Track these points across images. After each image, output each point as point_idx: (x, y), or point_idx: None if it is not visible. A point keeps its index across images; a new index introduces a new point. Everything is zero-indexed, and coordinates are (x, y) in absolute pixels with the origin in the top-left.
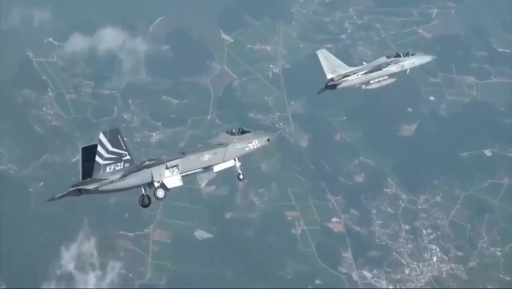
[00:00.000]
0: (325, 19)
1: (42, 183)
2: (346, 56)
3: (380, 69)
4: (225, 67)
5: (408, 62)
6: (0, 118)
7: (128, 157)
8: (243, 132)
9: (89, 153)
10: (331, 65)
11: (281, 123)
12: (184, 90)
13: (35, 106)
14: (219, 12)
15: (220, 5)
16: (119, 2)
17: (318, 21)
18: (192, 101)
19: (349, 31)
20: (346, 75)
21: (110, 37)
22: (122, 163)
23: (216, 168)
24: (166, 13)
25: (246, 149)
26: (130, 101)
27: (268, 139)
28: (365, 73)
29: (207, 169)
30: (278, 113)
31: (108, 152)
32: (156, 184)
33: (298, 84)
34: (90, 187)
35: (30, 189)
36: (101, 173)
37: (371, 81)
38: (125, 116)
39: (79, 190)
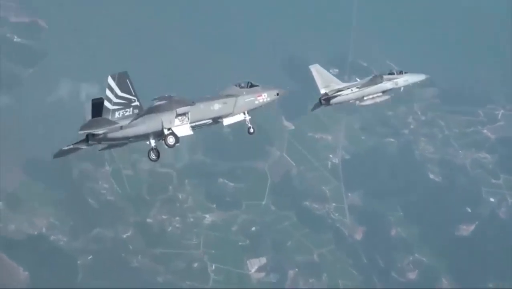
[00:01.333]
0: (388, 113)
1: (91, 256)
2: (408, 152)
3: (375, 84)
4: (284, 154)
5: (402, 80)
6: (55, 189)
7: (137, 103)
8: (252, 86)
9: (99, 107)
10: (324, 80)
11: (336, 214)
12: (241, 174)
13: (91, 179)
14: (282, 98)
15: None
16: (180, 81)
17: (382, 114)
18: (248, 185)
19: (412, 126)
20: (340, 90)
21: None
22: (131, 109)
23: (226, 121)
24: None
25: (256, 102)
26: (186, 181)
27: (277, 94)
28: (359, 88)
29: (217, 121)
30: (334, 204)
31: (117, 96)
32: (166, 132)
33: (356, 176)
34: (100, 131)
35: (79, 262)
36: (110, 118)
37: (365, 98)
38: (180, 196)
39: (87, 138)
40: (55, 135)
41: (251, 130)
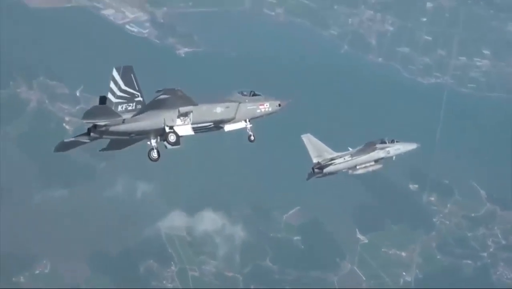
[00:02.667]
0: (467, 234)
1: None
2: (485, 275)
3: (367, 153)
4: (355, 268)
5: (394, 149)
6: (120, 285)
7: (140, 98)
8: (254, 94)
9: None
10: (317, 150)
11: None
12: (309, 284)
13: (156, 277)
14: (357, 210)
15: (359, 203)
16: (254, 187)
17: (460, 235)
18: None
19: (491, 249)
20: (332, 159)
21: (208, 220)
22: (134, 104)
23: (227, 127)
24: (302, 203)
25: (258, 111)
26: (252, 286)
27: (279, 104)
28: (352, 157)
29: (219, 126)
30: None
31: (120, 89)
32: (168, 129)
33: None
34: (102, 122)
35: None
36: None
37: (357, 166)
38: None
39: (89, 131)
40: (121, 231)
41: (252, 138)
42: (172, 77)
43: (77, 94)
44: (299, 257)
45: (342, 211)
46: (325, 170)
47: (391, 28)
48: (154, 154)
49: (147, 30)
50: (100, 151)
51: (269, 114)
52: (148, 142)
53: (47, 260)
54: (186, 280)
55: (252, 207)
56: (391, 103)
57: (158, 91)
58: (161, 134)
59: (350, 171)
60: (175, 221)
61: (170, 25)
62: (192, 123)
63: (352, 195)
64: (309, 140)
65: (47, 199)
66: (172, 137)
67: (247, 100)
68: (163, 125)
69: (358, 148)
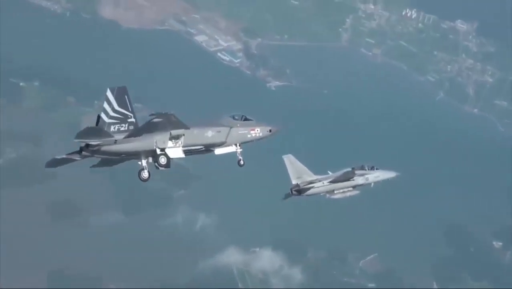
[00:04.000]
0: None
1: None
2: None
3: (346, 180)
4: None
5: (373, 176)
6: None
7: (133, 119)
8: (246, 119)
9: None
10: (296, 171)
11: None
12: None
13: None
14: (437, 262)
15: (439, 255)
16: (332, 228)
17: None
18: None
19: None
20: (311, 182)
21: (267, 258)
22: (127, 125)
23: (218, 151)
24: (380, 250)
25: (249, 136)
26: None
27: (270, 130)
28: (331, 182)
29: (209, 149)
30: None
31: (113, 110)
32: (159, 151)
33: None
34: (94, 142)
35: None
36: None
37: (335, 191)
38: None
39: (81, 150)
40: (182, 261)
41: (241, 162)
42: (260, 110)
43: None
44: None
45: (421, 261)
46: (303, 193)
47: (490, 80)
48: (145, 174)
49: (239, 60)
50: (91, 167)
51: (259, 139)
52: (139, 163)
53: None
54: None
55: (327, 249)
56: (483, 156)
57: (151, 114)
58: (152, 155)
59: (327, 195)
60: (232, 256)
61: (263, 57)
62: (183, 146)
63: (433, 246)
64: (290, 161)
65: (116, 222)
66: (162, 160)
67: (238, 125)
68: (154, 147)
69: (337, 173)
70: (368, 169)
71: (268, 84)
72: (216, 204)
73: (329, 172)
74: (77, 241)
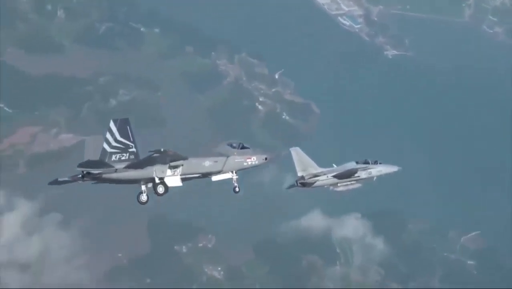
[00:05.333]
0: None
1: None
2: None
3: (351, 175)
4: None
5: (376, 170)
6: (278, 274)
7: (134, 150)
8: (243, 147)
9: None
10: (302, 164)
11: None
12: None
13: (317, 273)
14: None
15: None
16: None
17: None
18: None
19: None
20: (316, 175)
21: (352, 226)
22: (128, 154)
23: (215, 178)
24: (482, 228)
25: (245, 164)
26: None
27: (266, 158)
28: (334, 176)
29: (206, 176)
30: None
31: (116, 140)
32: (157, 180)
33: None
34: (96, 171)
35: None
36: (106, 160)
37: (338, 184)
38: None
39: (83, 174)
40: (286, 219)
41: (237, 189)
42: (375, 77)
43: (276, 76)
44: (470, 283)
45: None
46: (307, 185)
47: None
48: (144, 198)
49: (359, 26)
50: (93, 183)
51: (255, 166)
52: (140, 187)
53: (212, 235)
54: (348, 284)
55: (430, 222)
56: None
57: (150, 151)
58: (152, 182)
59: (331, 187)
60: (314, 220)
61: (383, 25)
62: (181, 174)
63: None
64: (297, 154)
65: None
66: (160, 189)
67: (235, 153)
68: (153, 176)
69: (342, 166)
70: (372, 163)
71: (385, 52)
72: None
73: (334, 165)
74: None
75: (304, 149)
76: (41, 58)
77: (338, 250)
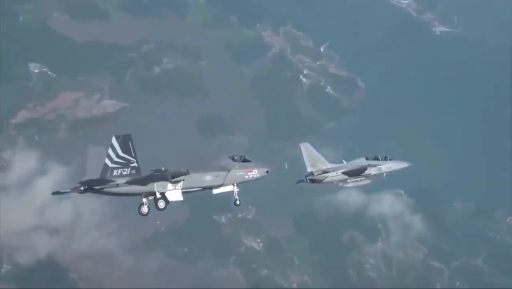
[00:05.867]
0: None
1: None
2: None
3: (360, 173)
4: None
5: (386, 167)
6: (319, 249)
7: (135, 164)
8: (244, 160)
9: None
10: (312, 160)
11: None
12: None
13: (359, 250)
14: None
15: None
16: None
17: None
18: None
19: None
20: (325, 171)
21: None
22: (129, 169)
23: (216, 191)
24: None
25: (246, 177)
26: (457, 283)
27: (267, 171)
28: (344, 173)
29: (207, 189)
30: None
31: (117, 156)
32: (158, 195)
33: None
34: (97, 186)
35: None
36: (108, 175)
37: (348, 180)
38: None
39: (84, 188)
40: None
41: (238, 202)
42: (422, 53)
43: (321, 49)
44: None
45: None
46: (316, 181)
47: None
48: (145, 209)
49: (406, 1)
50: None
51: (256, 179)
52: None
53: (252, 207)
54: (390, 260)
55: (475, 201)
56: None
57: (152, 171)
58: (153, 195)
59: (340, 184)
60: (353, 196)
61: (431, 1)
62: (182, 188)
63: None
64: (306, 149)
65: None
66: (161, 204)
67: (237, 167)
68: (154, 190)
69: (351, 162)
70: (382, 159)
71: (433, 29)
72: (359, 139)
73: (343, 161)
74: (219, 156)
75: (347, 123)
76: (86, 24)
77: (380, 226)
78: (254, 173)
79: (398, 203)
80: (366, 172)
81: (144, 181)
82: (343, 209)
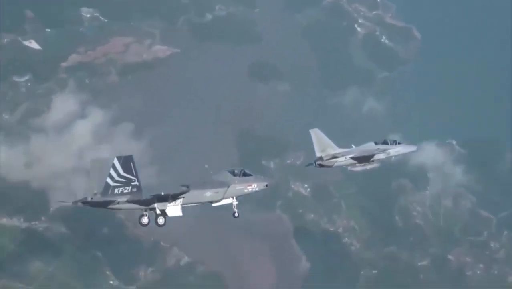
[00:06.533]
0: None
1: (376, 271)
2: None
3: (368, 154)
4: None
5: (394, 150)
6: (366, 194)
7: (136, 183)
8: (245, 174)
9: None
10: (322, 145)
11: None
12: None
13: (407, 197)
14: None
15: None
16: None
17: None
18: None
19: None
20: (335, 156)
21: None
22: (130, 187)
23: (215, 204)
24: None
25: (245, 190)
26: (504, 232)
27: (266, 185)
28: (352, 158)
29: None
30: None
31: (119, 175)
32: (158, 211)
33: None
34: (97, 206)
35: (362, 272)
36: (109, 193)
37: (357, 165)
38: (492, 245)
39: (84, 202)
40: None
41: (236, 214)
42: (481, 5)
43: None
44: None
45: None
46: (326, 165)
47: None
48: (145, 220)
49: None
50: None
51: (255, 193)
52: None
53: (301, 153)
54: (438, 208)
55: None
56: None
57: (151, 195)
58: (153, 209)
59: (349, 167)
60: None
61: None
62: (182, 204)
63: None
64: (316, 135)
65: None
66: (161, 221)
67: (236, 181)
68: (154, 206)
69: (360, 147)
70: (391, 143)
71: None
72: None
73: (352, 145)
74: (269, 103)
75: (401, 74)
76: None
77: (429, 175)
78: (254, 187)
79: (448, 152)
80: (375, 158)
81: (144, 203)
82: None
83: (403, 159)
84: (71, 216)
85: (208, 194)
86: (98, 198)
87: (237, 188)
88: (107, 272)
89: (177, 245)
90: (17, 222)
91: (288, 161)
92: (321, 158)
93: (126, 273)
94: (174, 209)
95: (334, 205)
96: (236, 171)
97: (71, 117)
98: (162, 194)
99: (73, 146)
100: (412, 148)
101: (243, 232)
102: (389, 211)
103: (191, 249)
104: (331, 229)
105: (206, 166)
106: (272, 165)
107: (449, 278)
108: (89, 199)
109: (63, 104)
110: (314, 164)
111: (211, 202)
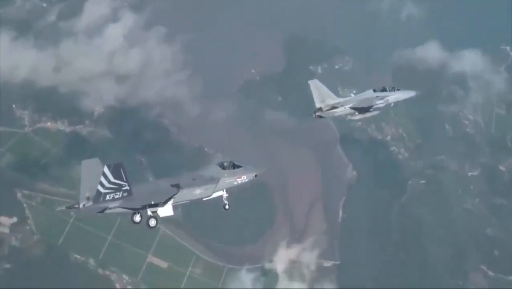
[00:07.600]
0: None
1: (424, 181)
2: None
3: (367, 103)
4: None
5: (393, 97)
6: (417, 104)
7: (127, 188)
8: (234, 166)
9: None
10: (321, 95)
11: None
12: None
13: (457, 105)
14: None
15: None
16: None
17: None
18: None
19: None
20: (334, 106)
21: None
22: (121, 192)
23: (206, 198)
24: None
25: (235, 183)
26: None
27: (256, 175)
28: (352, 108)
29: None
30: None
31: (109, 182)
32: (150, 213)
33: None
34: (88, 212)
35: (410, 182)
36: (101, 200)
37: (356, 113)
38: None
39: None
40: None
41: (227, 207)
42: None
43: None
44: None
45: None
46: (325, 116)
47: None
48: (137, 218)
49: None
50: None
51: (244, 183)
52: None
53: (350, 58)
54: (490, 116)
55: None
56: None
57: (143, 204)
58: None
59: (348, 116)
60: (430, 51)
61: None
62: (173, 203)
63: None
64: (315, 86)
65: None
66: (153, 222)
67: (226, 175)
68: (146, 209)
69: (360, 95)
70: (389, 90)
71: None
72: None
73: (352, 94)
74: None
75: None
76: None
77: (481, 83)
78: (243, 178)
79: (502, 59)
80: (374, 105)
81: (135, 209)
82: (448, 64)
83: (455, 66)
84: (116, 120)
85: (198, 192)
86: (90, 206)
87: (226, 181)
88: (150, 178)
89: (221, 151)
90: (61, 125)
91: (337, 66)
92: (320, 109)
93: None
94: (165, 210)
95: (383, 112)
96: (225, 164)
97: (103, 21)
98: (152, 202)
99: (105, 49)
100: (411, 94)
101: (288, 140)
102: (439, 119)
103: (235, 156)
104: (379, 137)
105: (252, 71)
106: (319, 70)
107: (500, 189)
108: (81, 206)
109: (95, 8)
110: (314, 115)
111: (202, 198)
